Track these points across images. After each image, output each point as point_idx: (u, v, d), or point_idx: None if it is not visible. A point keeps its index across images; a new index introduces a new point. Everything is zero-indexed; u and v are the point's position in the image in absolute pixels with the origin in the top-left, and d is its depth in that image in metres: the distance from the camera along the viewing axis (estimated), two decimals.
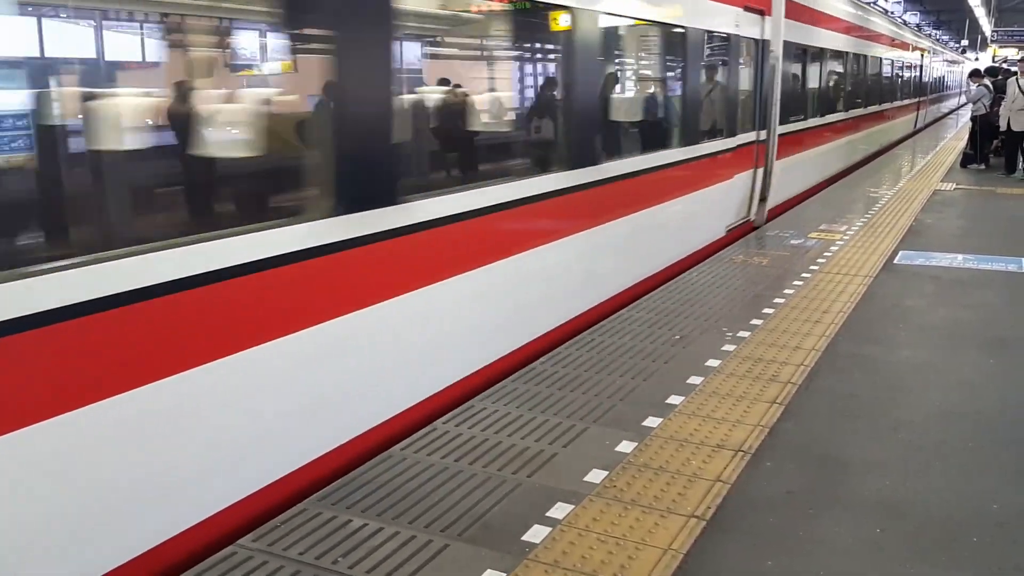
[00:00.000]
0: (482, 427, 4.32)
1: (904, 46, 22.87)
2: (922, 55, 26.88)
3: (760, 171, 10.26)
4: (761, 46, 10.01)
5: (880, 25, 19.09)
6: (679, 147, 7.79)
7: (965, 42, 48.30)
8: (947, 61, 38.36)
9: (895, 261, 8.19)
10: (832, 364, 5.33)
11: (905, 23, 28.63)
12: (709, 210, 8.77)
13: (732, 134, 9.16)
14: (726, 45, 9.00)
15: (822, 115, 13.72)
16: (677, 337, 5.78)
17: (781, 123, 10.85)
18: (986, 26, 43.44)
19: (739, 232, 9.72)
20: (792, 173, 11.85)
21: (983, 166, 16.26)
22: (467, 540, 3.31)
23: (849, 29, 15.31)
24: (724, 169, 8.98)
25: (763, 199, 10.45)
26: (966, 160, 16.66)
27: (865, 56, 17.09)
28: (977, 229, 10.13)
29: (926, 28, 40.10)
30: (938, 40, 39.89)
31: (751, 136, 9.86)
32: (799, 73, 12.40)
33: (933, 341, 5.88)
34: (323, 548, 3.24)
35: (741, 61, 9.45)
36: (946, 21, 48.35)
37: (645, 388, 4.87)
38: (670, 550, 3.24)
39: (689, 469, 3.89)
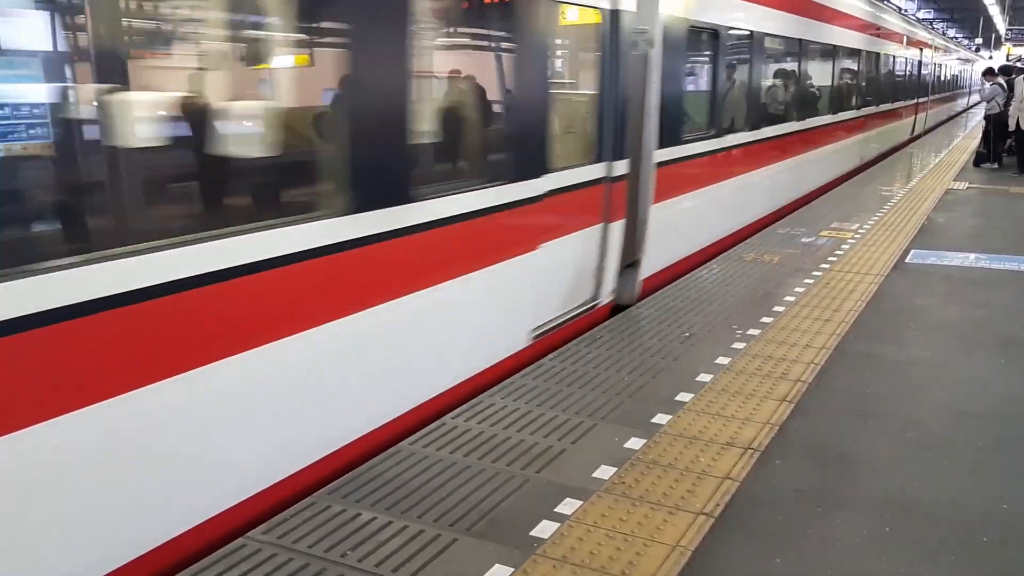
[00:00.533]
0: (491, 423, 4.33)
1: (891, 36, 18.50)
2: (921, 51, 22.98)
3: (618, 225, 6.38)
4: (613, 23, 6.08)
5: (850, 5, 14.20)
6: (328, 217, 3.86)
7: (979, 40, 47.99)
8: (957, 59, 37.12)
9: (907, 260, 8.16)
10: (842, 363, 5.32)
11: (917, 19, 28.11)
12: (460, 318, 4.87)
13: (531, 172, 5.32)
14: (507, 16, 5.28)
15: (752, 128, 9.50)
16: (687, 334, 5.77)
17: (667, 145, 7.02)
18: (1000, 24, 43.18)
19: (577, 326, 6.06)
20: (687, 220, 7.86)
21: (996, 165, 16.18)
22: (475, 535, 3.32)
23: (797, 7, 11.07)
24: (508, 238, 5.19)
25: (633, 264, 6.74)
26: (979, 159, 16.59)
27: (833, 48, 13.16)
28: (990, 228, 10.08)
29: (939, 25, 39.78)
30: (944, 35, 37.80)
31: (591, 172, 6.05)
32: (704, 68, 8.64)
33: (944, 340, 5.85)
34: (332, 541, 3.25)
35: (555, 45, 6.01)
36: (960, 19, 48.05)
37: (654, 385, 4.87)
38: (678, 547, 3.25)
39: (698, 466, 3.89)
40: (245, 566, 3.08)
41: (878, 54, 16.90)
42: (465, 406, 4.53)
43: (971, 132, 24.48)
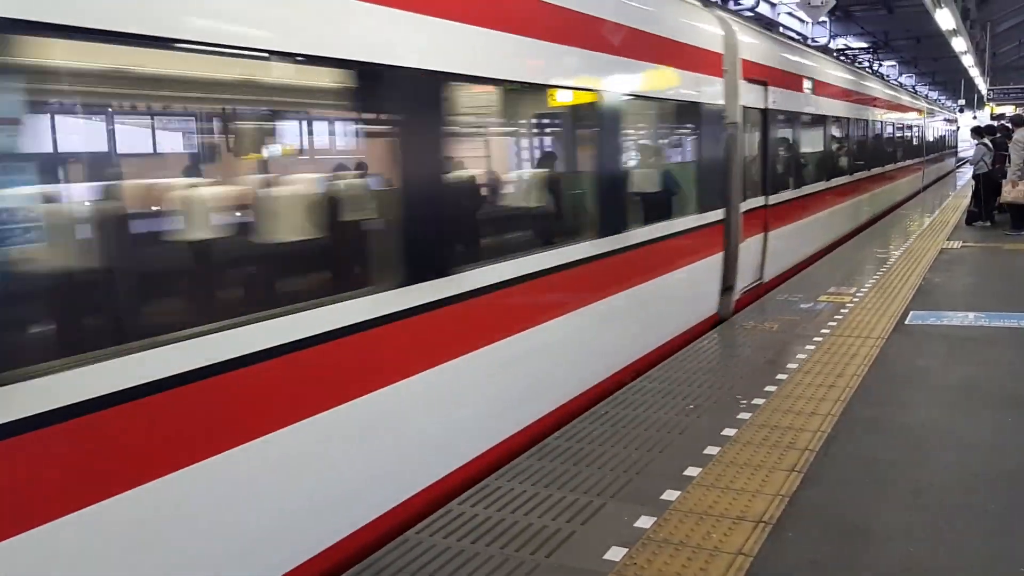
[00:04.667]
0: (498, 507, 4.28)
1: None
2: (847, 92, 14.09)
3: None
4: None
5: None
6: None
7: (962, 101, 49.07)
8: (945, 119, 30.13)
9: (906, 321, 8.17)
10: (849, 428, 5.28)
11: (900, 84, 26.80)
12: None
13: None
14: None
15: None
16: (691, 407, 5.75)
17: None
18: (982, 85, 44.19)
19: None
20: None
21: (988, 223, 16.31)
22: None
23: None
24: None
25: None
26: (971, 217, 16.72)
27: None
28: (986, 286, 10.12)
29: (922, 89, 40.38)
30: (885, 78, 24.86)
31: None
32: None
33: (949, 401, 5.83)
34: None
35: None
36: (942, 82, 49.25)
37: (661, 460, 4.83)
38: None
39: (710, 543, 3.84)
40: None
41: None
42: (471, 491, 4.49)
43: (961, 191, 24.54)
